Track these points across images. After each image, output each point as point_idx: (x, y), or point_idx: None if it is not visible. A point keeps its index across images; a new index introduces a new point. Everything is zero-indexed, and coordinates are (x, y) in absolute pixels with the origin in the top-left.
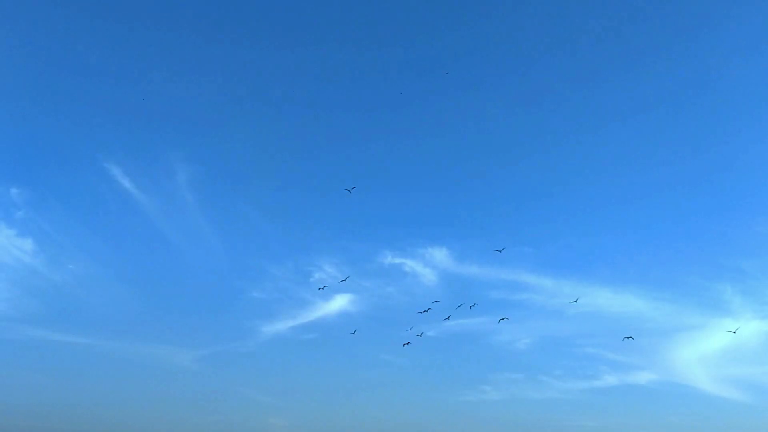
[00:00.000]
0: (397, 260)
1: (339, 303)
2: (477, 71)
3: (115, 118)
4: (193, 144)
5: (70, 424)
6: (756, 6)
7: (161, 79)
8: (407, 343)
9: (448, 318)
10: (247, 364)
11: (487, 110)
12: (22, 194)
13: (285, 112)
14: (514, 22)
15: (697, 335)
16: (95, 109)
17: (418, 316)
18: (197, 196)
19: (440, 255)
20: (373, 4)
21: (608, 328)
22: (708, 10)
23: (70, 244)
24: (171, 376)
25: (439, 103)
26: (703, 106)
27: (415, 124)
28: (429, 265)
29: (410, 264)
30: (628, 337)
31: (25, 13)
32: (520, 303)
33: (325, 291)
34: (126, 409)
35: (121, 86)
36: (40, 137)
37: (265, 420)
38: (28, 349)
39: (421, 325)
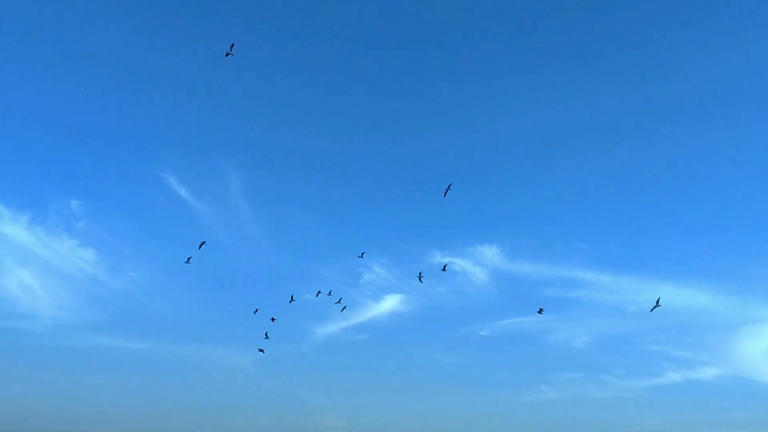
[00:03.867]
0: (446, 259)
1: (389, 303)
2: (522, 66)
3: (170, 127)
4: (245, 151)
5: (133, 427)
6: None
7: (212, 86)
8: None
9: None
10: (302, 365)
11: (535, 105)
12: (82, 205)
13: (333, 116)
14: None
15: (764, 328)
16: (150, 120)
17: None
18: (250, 201)
19: (490, 253)
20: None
21: (671, 323)
22: None
23: (129, 252)
24: (231, 378)
25: (485, 100)
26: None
27: (462, 122)
28: (479, 264)
29: (460, 263)
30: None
31: (74, 28)
32: (576, 300)
33: (375, 292)
34: (187, 411)
35: (175, 95)
36: (97, 149)
37: (322, 421)
38: (91, 355)
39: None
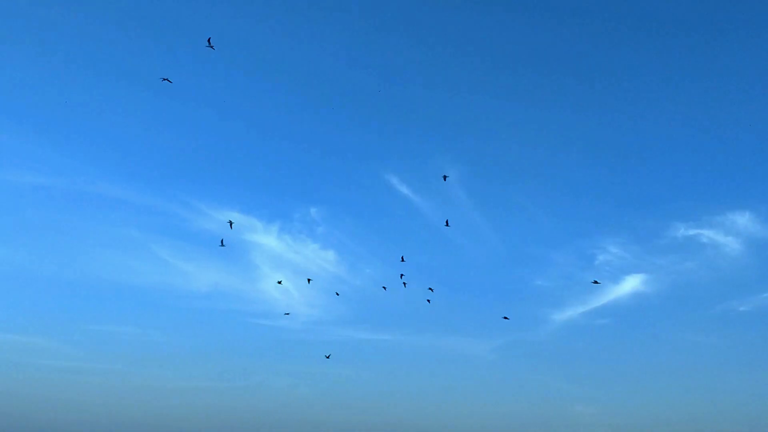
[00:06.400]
0: (692, 232)
1: (631, 284)
2: None
3: (389, 130)
4: (459, 144)
5: (381, 412)
6: None
7: (422, 85)
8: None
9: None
10: (542, 352)
11: None
12: (320, 212)
13: (549, 94)
14: None
15: None
16: (372, 126)
17: None
18: (469, 192)
19: (743, 220)
20: None
21: None
22: None
23: (364, 251)
24: (470, 367)
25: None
26: None
27: (695, 70)
28: (731, 233)
29: (707, 234)
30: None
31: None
32: None
33: (613, 273)
34: (429, 399)
35: (390, 98)
36: (328, 160)
37: (571, 408)
38: (342, 348)
39: None
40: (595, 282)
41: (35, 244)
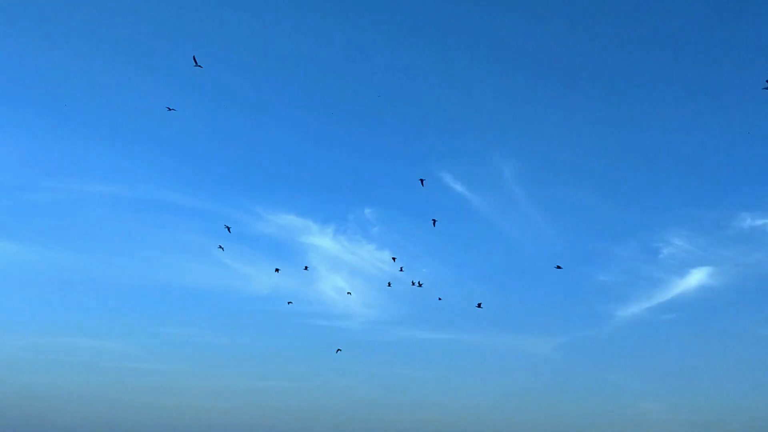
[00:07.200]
0: (759, 222)
1: (696, 278)
2: None
3: (441, 128)
4: (513, 140)
5: (438, 413)
6: None
7: (475, 84)
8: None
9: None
10: (606, 349)
11: None
12: (374, 212)
13: (610, 86)
14: None
15: None
16: (425, 125)
17: None
18: (525, 188)
19: None
20: None
21: None
22: None
23: (420, 250)
24: (534, 365)
25: None
26: None
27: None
28: None
29: None
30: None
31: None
32: None
33: (679, 266)
34: (492, 399)
35: (442, 98)
36: (382, 160)
37: (637, 405)
38: (401, 348)
39: None
40: (558, 267)
41: (106, 251)
